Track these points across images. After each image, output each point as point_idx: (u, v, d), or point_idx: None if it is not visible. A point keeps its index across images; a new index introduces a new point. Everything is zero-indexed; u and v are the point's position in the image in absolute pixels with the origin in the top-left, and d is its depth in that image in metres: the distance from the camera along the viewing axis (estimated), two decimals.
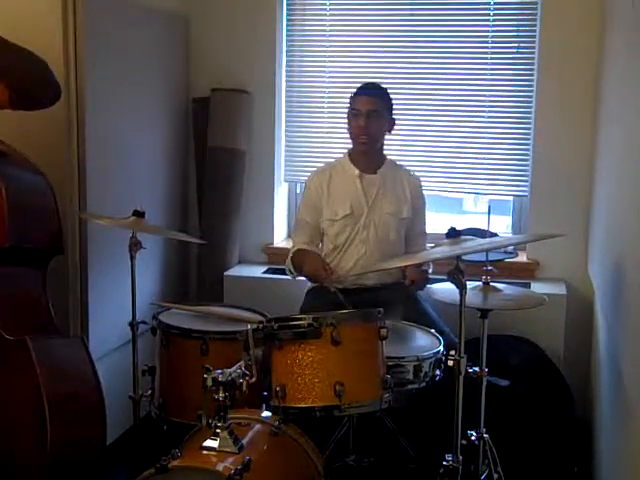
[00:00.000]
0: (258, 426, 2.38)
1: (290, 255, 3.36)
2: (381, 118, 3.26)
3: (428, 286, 2.90)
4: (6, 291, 2.57)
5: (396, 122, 3.36)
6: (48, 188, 2.68)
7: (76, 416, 2.60)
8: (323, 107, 4.07)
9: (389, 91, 3.34)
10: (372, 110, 3.23)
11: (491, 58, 3.82)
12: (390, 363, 2.49)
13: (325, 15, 4.01)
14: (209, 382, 2.14)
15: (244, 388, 2.17)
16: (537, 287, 3.57)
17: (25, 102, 2.60)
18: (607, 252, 2.91)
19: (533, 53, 3.73)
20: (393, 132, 3.39)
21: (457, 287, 2.32)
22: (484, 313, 2.61)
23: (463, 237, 2.44)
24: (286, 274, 3.44)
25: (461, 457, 2.39)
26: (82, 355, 2.69)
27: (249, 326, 2.33)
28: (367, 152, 3.33)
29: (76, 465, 2.58)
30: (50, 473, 2.46)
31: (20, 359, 2.46)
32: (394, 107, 3.35)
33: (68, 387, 2.61)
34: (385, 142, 3.41)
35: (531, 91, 3.75)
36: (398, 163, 3.48)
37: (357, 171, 3.34)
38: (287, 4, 4.02)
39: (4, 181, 2.50)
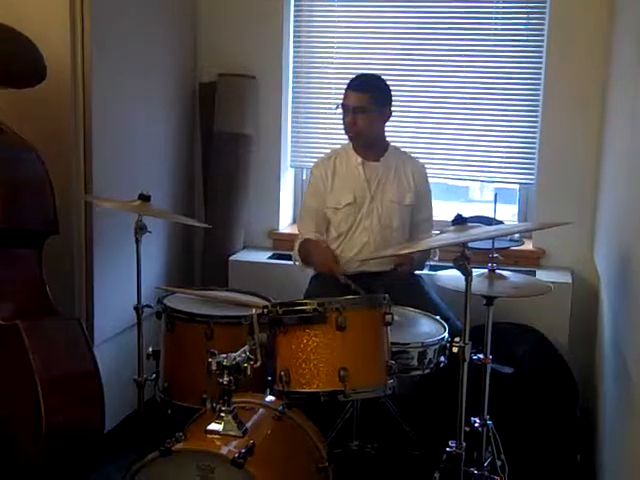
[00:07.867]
0: (262, 410, 2.38)
1: (297, 246, 3.36)
2: (369, 114, 3.21)
3: (433, 272, 2.89)
4: None
5: (400, 110, 3.32)
6: (41, 166, 2.61)
7: (72, 399, 2.57)
8: (330, 93, 4.04)
9: (394, 78, 3.31)
10: (358, 107, 3.20)
11: (498, 45, 3.78)
12: (395, 349, 2.48)
13: (333, 0, 3.99)
14: (214, 366, 2.15)
15: (248, 372, 2.18)
16: (543, 275, 3.57)
17: (8, 81, 2.56)
18: (613, 241, 2.90)
19: (541, 41, 3.70)
20: (399, 120, 3.36)
21: (463, 274, 2.31)
22: (489, 300, 2.62)
23: (469, 224, 2.44)
24: (292, 260, 3.45)
25: (464, 444, 2.39)
26: (79, 337, 2.66)
27: (254, 311, 2.34)
28: (359, 144, 3.32)
29: (74, 449, 2.56)
30: (47, 457, 2.44)
31: (13, 343, 2.44)
32: (399, 95, 3.31)
33: (63, 370, 2.57)
34: (391, 129, 3.40)
35: (539, 78, 3.72)
36: (402, 150, 3.46)
37: (360, 159, 3.33)
38: None
39: None
